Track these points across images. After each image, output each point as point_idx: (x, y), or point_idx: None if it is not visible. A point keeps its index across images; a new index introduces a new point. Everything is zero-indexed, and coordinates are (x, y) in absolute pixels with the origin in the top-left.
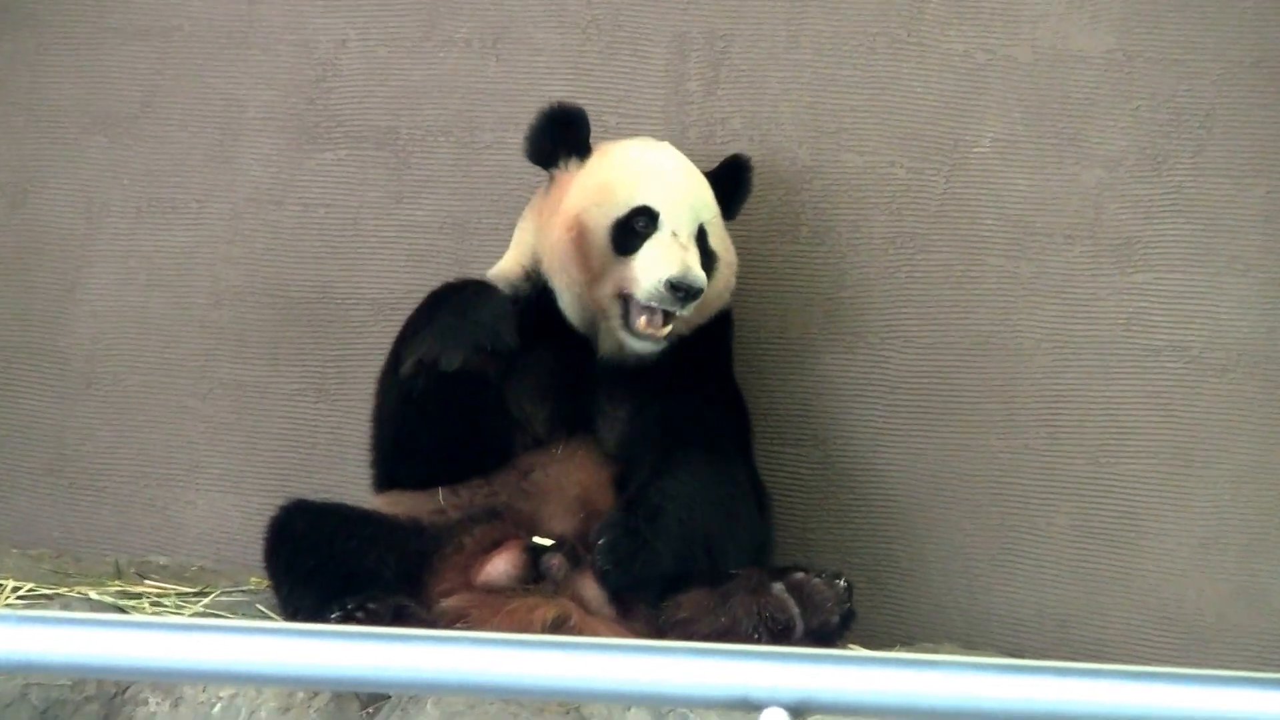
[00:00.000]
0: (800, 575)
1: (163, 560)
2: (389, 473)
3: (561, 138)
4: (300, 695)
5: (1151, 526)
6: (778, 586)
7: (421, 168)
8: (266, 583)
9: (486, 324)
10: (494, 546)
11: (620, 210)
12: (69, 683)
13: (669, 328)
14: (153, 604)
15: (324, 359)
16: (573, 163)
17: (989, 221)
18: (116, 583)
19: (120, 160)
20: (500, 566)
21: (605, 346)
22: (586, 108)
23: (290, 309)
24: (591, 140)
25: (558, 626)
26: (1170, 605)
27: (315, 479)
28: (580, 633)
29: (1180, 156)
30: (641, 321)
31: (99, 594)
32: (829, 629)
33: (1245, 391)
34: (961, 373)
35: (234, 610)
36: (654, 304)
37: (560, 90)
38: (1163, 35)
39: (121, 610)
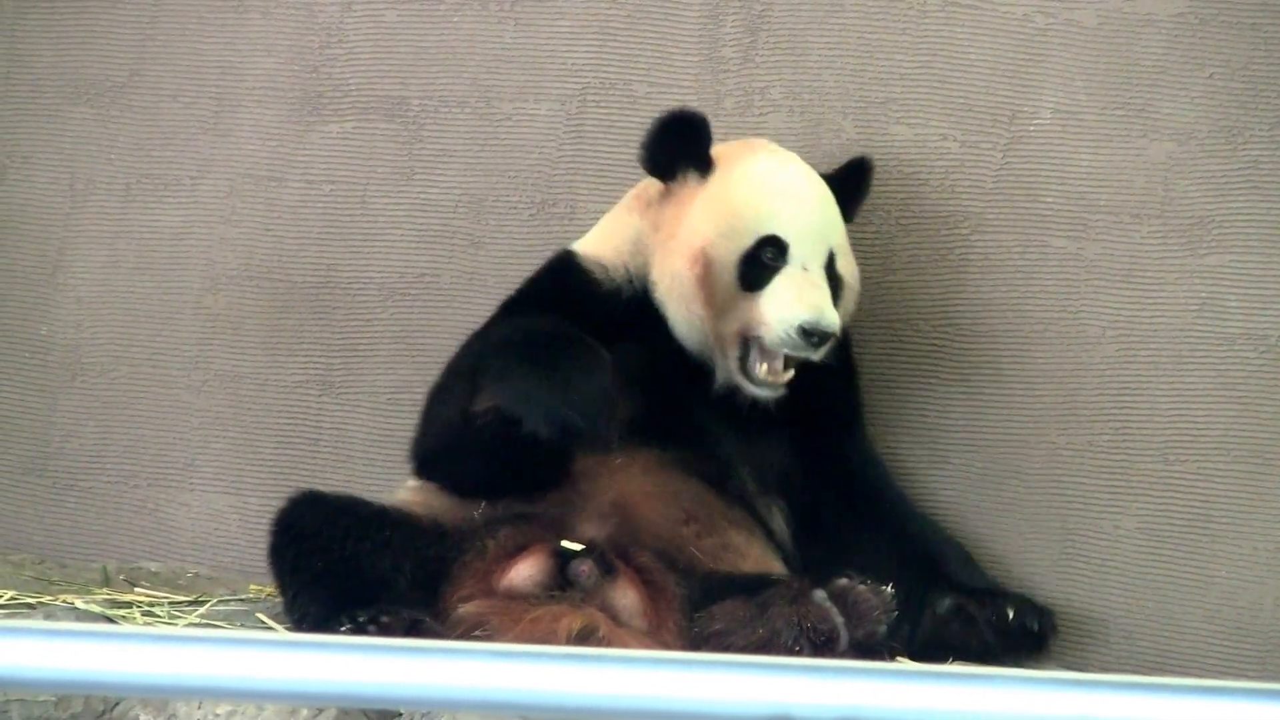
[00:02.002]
0: (844, 582)
1: (154, 566)
2: (429, 469)
3: (681, 149)
4: (305, 712)
5: (1226, 529)
6: (820, 594)
7: (434, 141)
8: (269, 589)
9: (585, 408)
10: (519, 551)
11: (747, 241)
12: (53, 699)
13: (790, 372)
14: (144, 614)
15: (328, 348)
16: (692, 176)
17: (1050, 199)
18: (104, 591)
19: (107, 133)
20: (524, 572)
21: (719, 379)
22: (612, 76)
23: (291, 294)
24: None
25: (584, 638)
26: (1245, 615)
27: (318, 478)
28: (609, 645)
29: (1257, 129)
30: (763, 369)
31: (85, 603)
32: (875, 639)
33: None
34: (1020, 363)
35: (231, 620)
36: (785, 350)
37: (584, 56)
38: None
39: (110, 620)
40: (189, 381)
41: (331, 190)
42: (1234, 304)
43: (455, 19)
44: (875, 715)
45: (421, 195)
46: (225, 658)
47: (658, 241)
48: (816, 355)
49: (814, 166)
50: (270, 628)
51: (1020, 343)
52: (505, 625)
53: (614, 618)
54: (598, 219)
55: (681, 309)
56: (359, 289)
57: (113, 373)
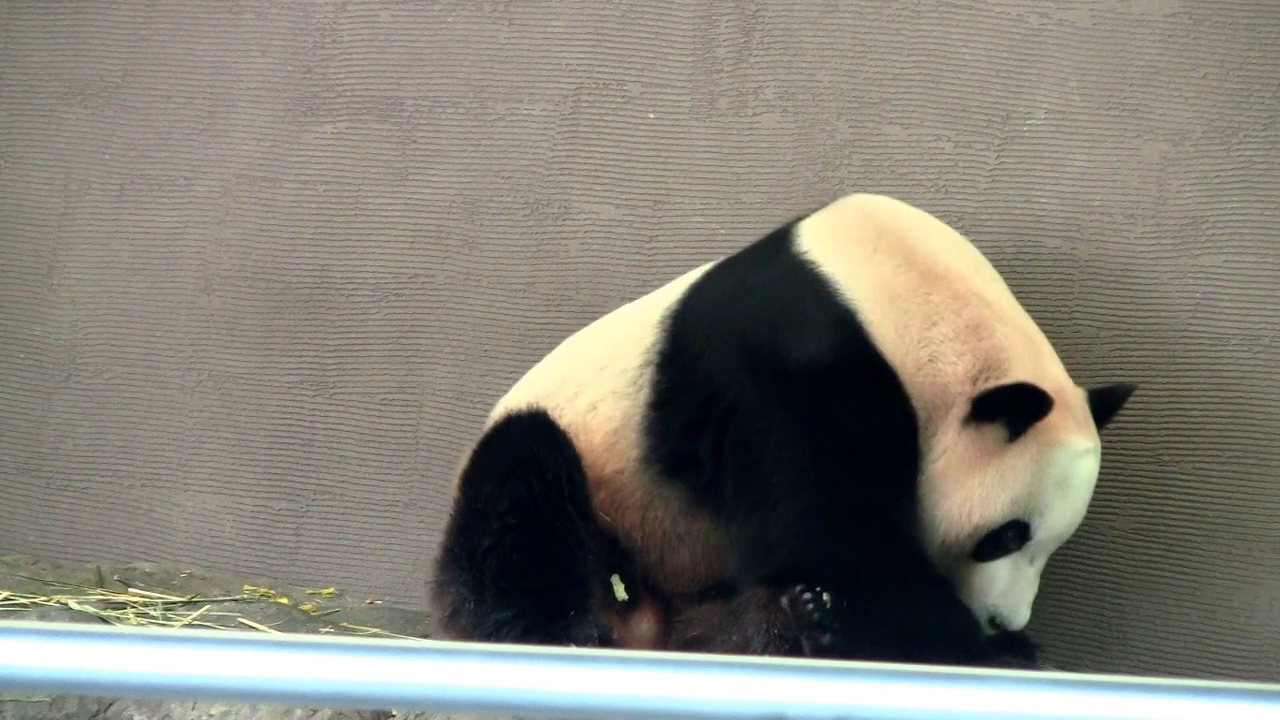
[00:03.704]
0: (797, 589)
1: (148, 567)
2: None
3: (1013, 415)
4: (298, 712)
5: (1220, 530)
6: (784, 601)
7: (428, 141)
8: (262, 590)
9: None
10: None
11: (1004, 519)
12: (48, 699)
13: None
14: (137, 614)
15: (322, 349)
16: (999, 431)
17: (1043, 199)
18: (98, 591)
19: (101, 133)
20: None
21: None
22: (606, 76)
23: (286, 294)
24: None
25: None
26: (1240, 615)
27: (313, 478)
28: None
29: (1251, 129)
30: None
31: (79, 603)
32: (819, 644)
33: None
34: None
35: (225, 622)
36: None
37: (578, 57)
38: None
39: (104, 621)
40: (183, 382)
41: (325, 190)
42: (1228, 304)
43: (449, 19)
44: (870, 715)
45: (415, 195)
46: (219, 658)
47: (936, 449)
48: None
49: (807, 166)
50: (263, 630)
51: None
52: None
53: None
54: (591, 220)
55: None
56: (353, 289)
57: (107, 373)
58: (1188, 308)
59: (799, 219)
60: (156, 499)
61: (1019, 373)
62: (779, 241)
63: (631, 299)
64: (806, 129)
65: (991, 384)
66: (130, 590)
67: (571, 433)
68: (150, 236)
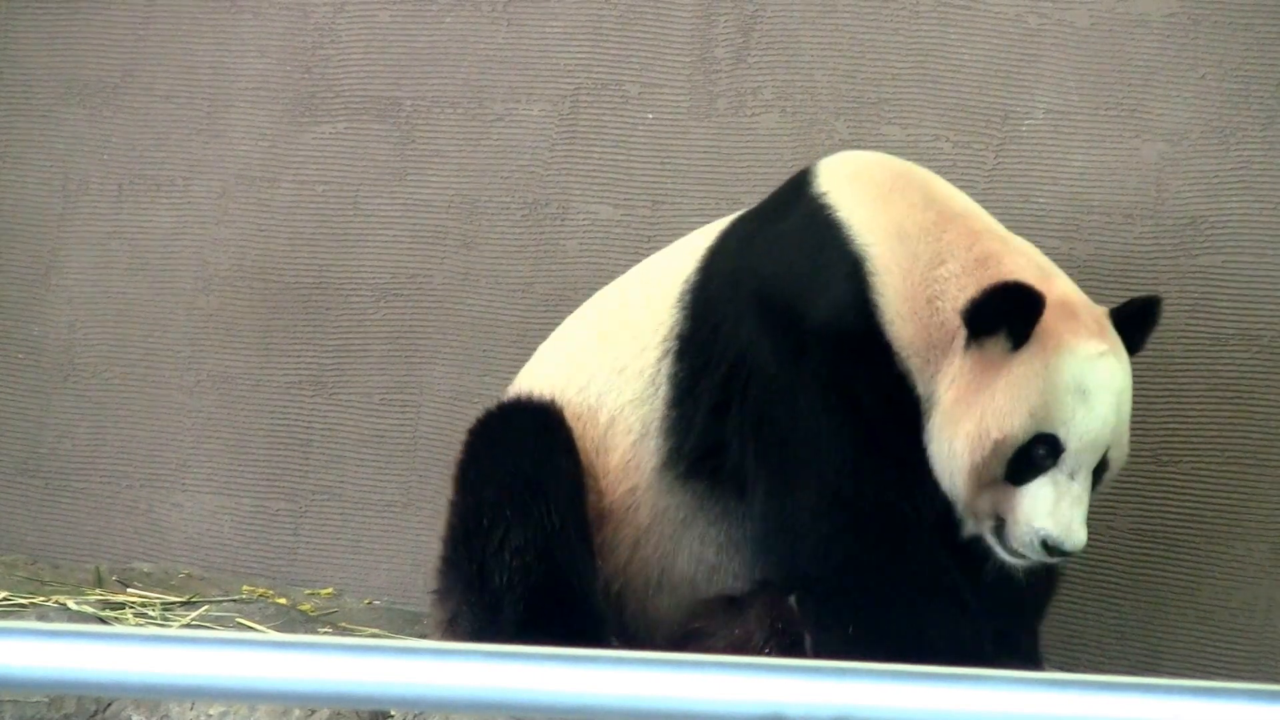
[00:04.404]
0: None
1: (146, 567)
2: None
3: (1008, 319)
4: (297, 712)
5: (1219, 530)
6: (792, 600)
7: (426, 142)
8: (260, 590)
9: None
10: None
11: (1027, 435)
12: (46, 700)
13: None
14: (136, 614)
15: (320, 349)
16: (1003, 343)
17: (1042, 199)
18: (97, 591)
19: (99, 134)
20: None
21: (967, 529)
22: (604, 76)
23: (284, 295)
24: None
25: None
26: (1239, 616)
27: (311, 479)
28: None
29: (1249, 129)
30: (1010, 552)
31: (78, 603)
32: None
33: None
34: None
35: (224, 623)
36: (1025, 553)
37: (576, 57)
38: None
39: (102, 621)
40: (181, 382)
41: (324, 191)
42: (1227, 304)
43: (447, 20)
44: (869, 715)
45: (413, 196)
46: (217, 658)
47: (956, 396)
48: (1055, 561)
49: (807, 164)
50: (261, 630)
51: None
52: None
53: None
54: (589, 221)
55: (945, 476)
56: (351, 289)
57: (105, 373)
58: (1186, 308)
59: (814, 164)
60: (155, 499)
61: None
62: (796, 186)
63: None
64: (805, 129)
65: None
66: (129, 590)
67: (589, 455)
68: (149, 237)
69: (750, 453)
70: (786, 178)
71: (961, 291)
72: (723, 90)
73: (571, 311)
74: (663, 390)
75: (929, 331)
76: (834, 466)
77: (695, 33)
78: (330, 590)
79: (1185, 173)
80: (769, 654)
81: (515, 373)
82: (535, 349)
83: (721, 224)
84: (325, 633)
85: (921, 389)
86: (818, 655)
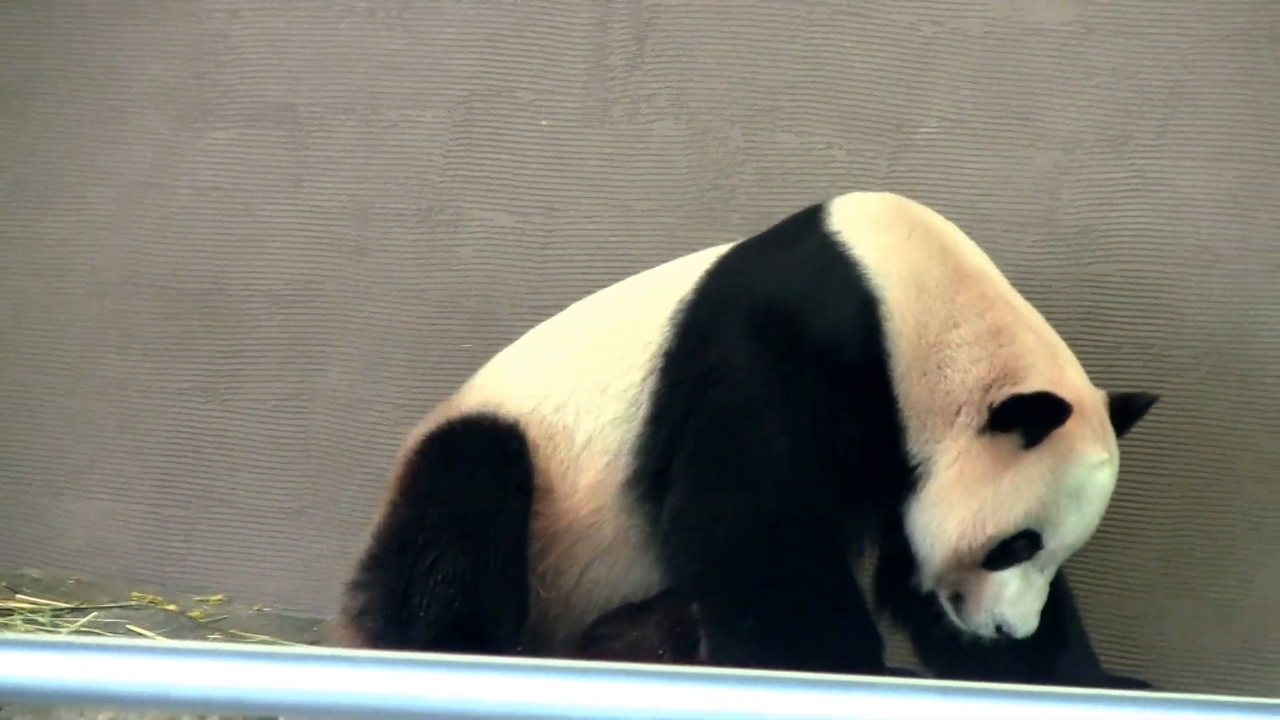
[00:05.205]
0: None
1: (36, 573)
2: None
3: (1030, 424)
4: (186, 719)
5: (1111, 539)
6: (695, 607)
7: (321, 148)
8: (150, 596)
9: None
10: None
11: (1016, 529)
12: None
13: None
14: (25, 620)
15: (215, 355)
16: (1016, 439)
17: (935, 207)
18: None
19: None
20: None
21: (924, 584)
22: (499, 83)
23: (179, 301)
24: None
25: None
26: (1130, 624)
27: (204, 485)
28: None
29: (1143, 137)
30: (963, 623)
31: None
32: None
33: (1211, 392)
34: None
35: (113, 629)
36: (975, 630)
37: (471, 63)
38: (1125, 6)
39: None
40: (75, 388)
41: (219, 197)
42: (1119, 313)
43: (342, 26)
44: None
45: (308, 202)
46: (106, 665)
47: (958, 474)
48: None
49: (701, 174)
50: (151, 636)
51: None
52: None
53: None
54: (483, 227)
55: (923, 546)
56: (246, 296)
57: (0, 379)
58: (1079, 317)
59: (825, 201)
60: (49, 505)
61: (1037, 380)
62: (806, 222)
63: (524, 306)
64: (699, 136)
65: (1008, 391)
66: (18, 596)
67: (556, 476)
68: (44, 241)
69: (683, 456)
70: (681, 184)
71: (974, 364)
72: (617, 97)
73: (464, 318)
74: (643, 408)
75: (934, 396)
76: (775, 482)
77: (590, 39)
78: (220, 597)
79: (1079, 181)
80: (664, 658)
81: (409, 380)
82: (429, 356)
83: (720, 249)
84: (214, 639)
85: (914, 450)
86: (712, 661)
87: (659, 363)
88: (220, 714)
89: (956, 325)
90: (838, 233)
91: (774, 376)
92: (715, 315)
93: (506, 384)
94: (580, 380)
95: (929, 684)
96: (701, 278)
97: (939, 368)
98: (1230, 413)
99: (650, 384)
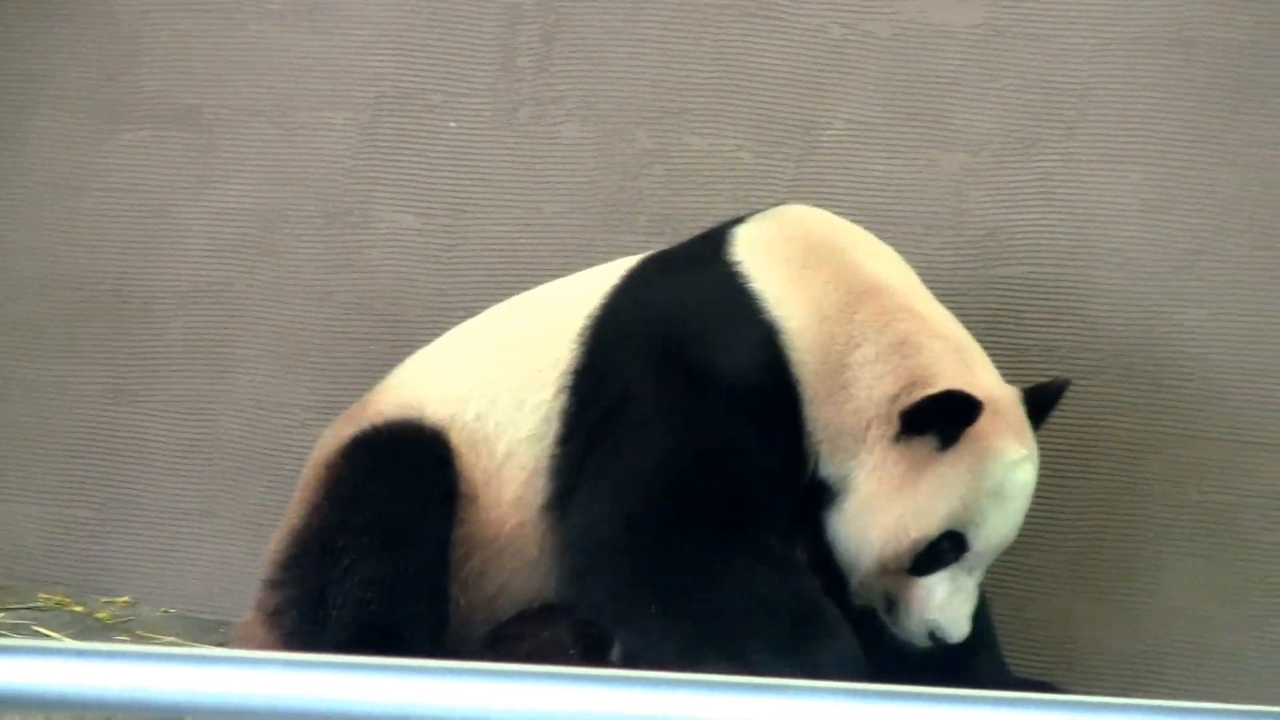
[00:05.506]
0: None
1: None
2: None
3: (942, 423)
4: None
5: (1019, 541)
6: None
7: (230, 149)
8: (58, 598)
9: None
10: None
11: (940, 531)
12: None
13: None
14: None
15: (125, 357)
16: (931, 441)
17: (842, 209)
18: None
19: None
20: None
21: (859, 595)
22: (408, 85)
23: (89, 303)
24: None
25: None
26: (1035, 626)
27: (112, 487)
28: None
29: (1051, 140)
30: (899, 632)
31: None
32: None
33: (1119, 394)
34: None
35: (19, 630)
36: (906, 638)
37: (380, 65)
38: (1034, 9)
39: None
40: None
41: (129, 199)
42: (1027, 315)
43: (253, 27)
44: None
45: (217, 204)
46: (11, 667)
47: (861, 472)
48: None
49: (607, 175)
50: (56, 638)
51: None
52: None
53: None
54: (391, 229)
55: (849, 558)
56: (156, 298)
57: None
58: (986, 318)
59: (734, 223)
60: None
61: (946, 384)
62: (712, 246)
63: (432, 308)
64: (607, 138)
65: (917, 395)
66: None
67: (480, 485)
68: None
69: (587, 487)
70: (588, 185)
71: (879, 380)
72: (525, 99)
73: (373, 321)
74: (554, 428)
75: (843, 416)
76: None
77: (498, 41)
78: (127, 598)
79: (986, 184)
80: (574, 659)
81: (318, 382)
82: (337, 358)
83: (629, 262)
84: (122, 641)
85: (831, 470)
86: (625, 664)
87: (568, 380)
88: (127, 716)
89: (858, 345)
90: (739, 263)
91: (681, 410)
92: (621, 341)
93: (426, 387)
94: (499, 391)
95: (835, 686)
96: (610, 295)
97: (845, 388)
98: (1139, 415)
99: (561, 402)
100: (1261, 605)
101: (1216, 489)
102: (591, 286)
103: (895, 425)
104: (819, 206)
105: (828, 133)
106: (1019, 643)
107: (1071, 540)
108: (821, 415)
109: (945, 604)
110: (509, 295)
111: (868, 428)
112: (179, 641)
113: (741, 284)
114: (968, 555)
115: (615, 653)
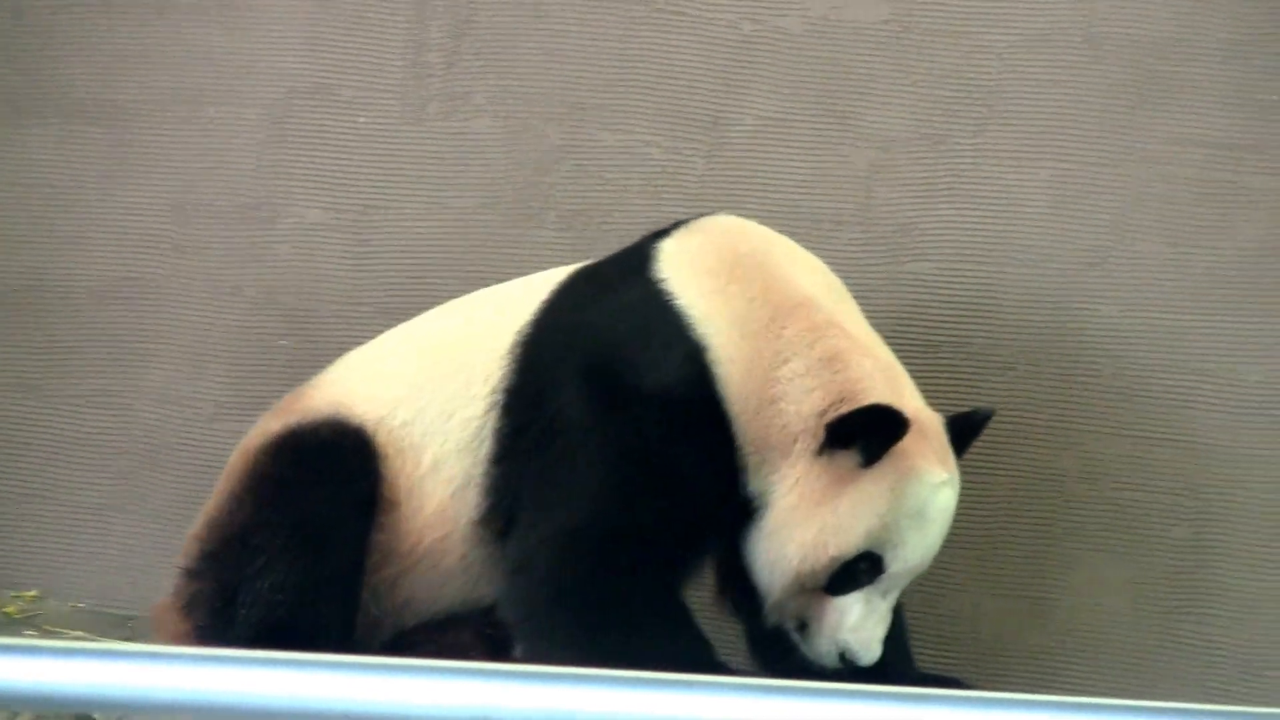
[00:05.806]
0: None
1: None
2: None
3: (867, 438)
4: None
5: None
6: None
7: (141, 144)
8: None
9: None
10: None
11: (857, 550)
12: None
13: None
14: None
15: (34, 351)
16: (855, 457)
17: (752, 205)
18: None
19: None
20: None
21: (769, 615)
22: (318, 80)
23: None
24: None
25: None
26: (945, 621)
27: (21, 481)
28: None
29: (960, 136)
30: (810, 652)
31: None
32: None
33: (1029, 391)
34: None
35: None
36: (816, 658)
37: (290, 60)
38: (944, 6)
39: None
40: None
41: (39, 193)
42: (938, 312)
43: (161, 21)
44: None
45: (127, 198)
46: None
47: (782, 486)
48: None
49: (517, 171)
50: None
51: None
52: None
53: None
54: (300, 225)
55: (764, 575)
56: (65, 292)
57: None
58: (896, 315)
59: (660, 235)
60: None
61: (875, 400)
62: (638, 261)
63: (342, 304)
64: (517, 134)
65: (844, 409)
66: None
67: (403, 493)
68: None
69: (524, 503)
70: (498, 181)
71: (807, 394)
72: (434, 94)
73: (281, 315)
74: (487, 444)
75: (770, 431)
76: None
77: (408, 37)
78: (35, 593)
79: (896, 179)
80: (476, 656)
81: (228, 376)
82: (246, 353)
83: (559, 274)
84: (29, 635)
85: (755, 485)
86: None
87: (500, 398)
88: (34, 710)
89: (787, 360)
90: (664, 280)
91: (611, 434)
92: (553, 359)
93: (359, 386)
94: (428, 400)
95: (748, 682)
96: (540, 313)
97: (773, 403)
98: (1049, 411)
99: (493, 420)
100: (1169, 601)
101: (1126, 485)
102: (523, 301)
103: (820, 439)
104: (729, 202)
105: (738, 128)
106: (929, 638)
107: (981, 536)
108: (750, 431)
109: (858, 625)
110: (418, 290)
111: (794, 442)
112: (87, 636)
113: (665, 302)
114: (884, 577)
115: (517, 650)
